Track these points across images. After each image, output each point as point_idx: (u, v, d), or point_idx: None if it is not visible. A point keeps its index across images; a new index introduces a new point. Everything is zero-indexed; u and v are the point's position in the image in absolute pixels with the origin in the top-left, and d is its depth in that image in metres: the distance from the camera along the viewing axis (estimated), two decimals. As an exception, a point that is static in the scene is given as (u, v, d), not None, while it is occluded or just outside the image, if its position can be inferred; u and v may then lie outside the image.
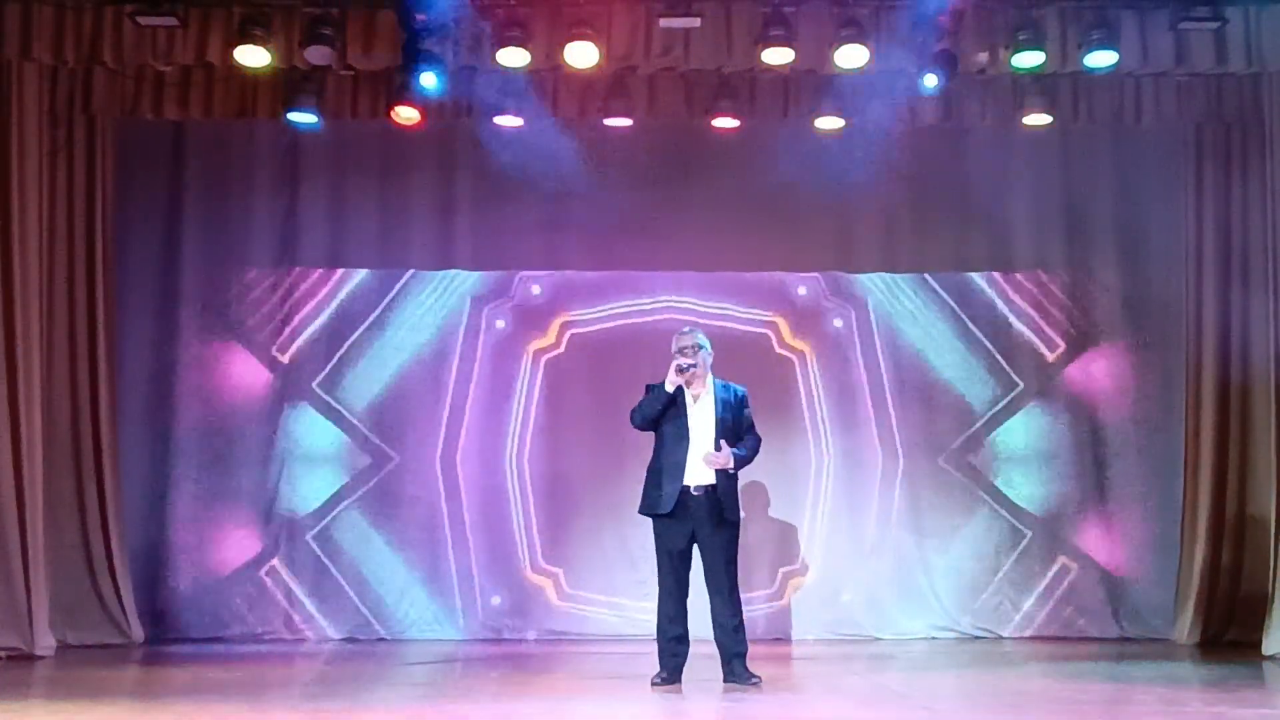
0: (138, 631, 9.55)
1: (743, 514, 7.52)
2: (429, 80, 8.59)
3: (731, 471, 7.34)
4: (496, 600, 10.13)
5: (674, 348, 7.36)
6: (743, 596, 7.56)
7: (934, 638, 10.03)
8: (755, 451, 7.50)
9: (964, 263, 10.42)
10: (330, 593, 10.09)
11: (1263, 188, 9.22)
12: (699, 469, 7.30)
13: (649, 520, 7.41)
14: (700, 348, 7.37)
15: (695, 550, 7.37)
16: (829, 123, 9.30)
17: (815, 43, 8.53)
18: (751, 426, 7.51)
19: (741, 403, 7.49)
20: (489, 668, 8.46)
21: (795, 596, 10.17)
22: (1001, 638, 10.04)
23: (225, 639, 9.81)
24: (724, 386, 7.49)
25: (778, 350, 10.35)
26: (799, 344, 10.38)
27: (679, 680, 7.31)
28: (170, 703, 6.71)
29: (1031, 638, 10.01)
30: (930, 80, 8.60)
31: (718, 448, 7.29)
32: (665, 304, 10.34)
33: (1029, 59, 8.53)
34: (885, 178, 10.32)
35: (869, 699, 7.12)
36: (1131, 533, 10.21)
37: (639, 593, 9.76)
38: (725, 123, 9.27)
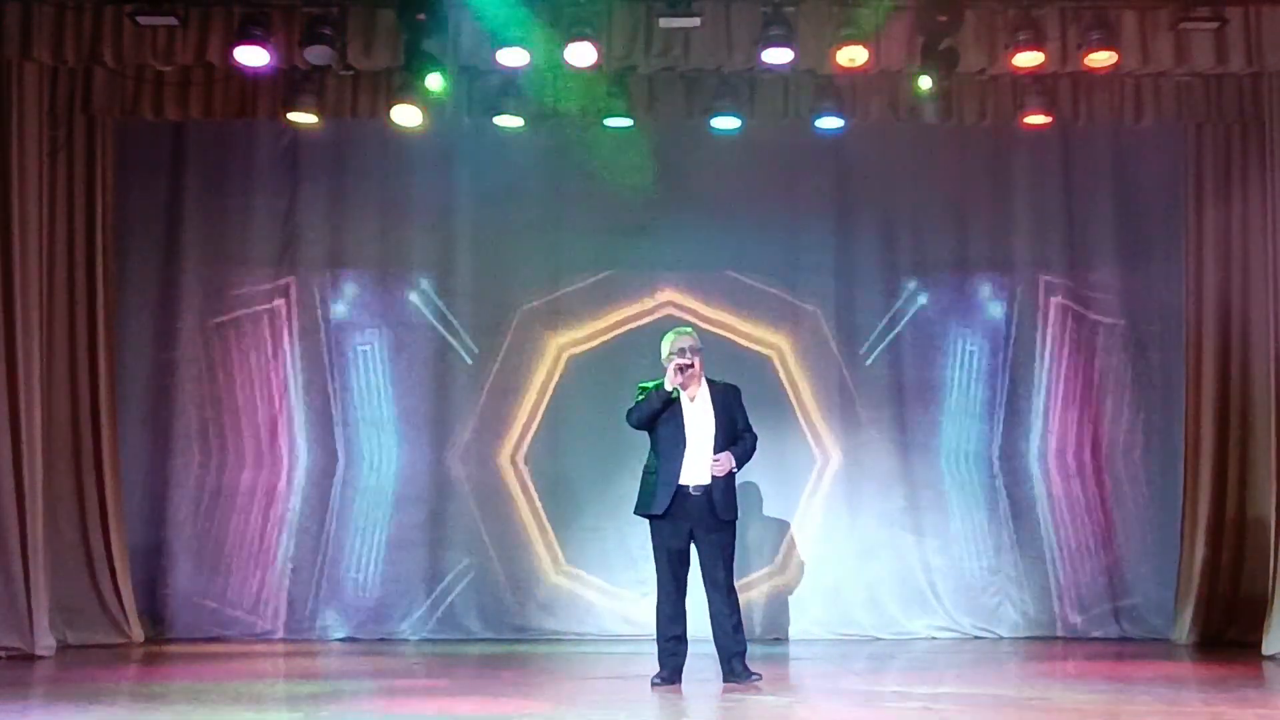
0: (138, 631, 9.54)
1: (739, 513, 7.48)
2: (435, 82, 8.59)
3: (734, 470, 7.34)
4: (496, 600, 10.12)
5: (671, 349, 7.35)
6: (741, 596, 7.55)
7: (934, 638, 10.03)
8: (753, 448, 7.48)
9: (964, 262, 10.42)
10: (331, 592, 10.09)
11: (1263, 188, 9.21)
12: (695, 469, 7.28)
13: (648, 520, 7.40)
14: (699, 349, 7.37)
15: (693, 550, 7.37)
16: (829, 123, 9.30)
17: (815, 43, 8.52)
18: (748, 424, 7.48)
19: (736, 400, 7.47)
20: (489, 667, 8.46)
21: (794, 596, 10.17)
22: (1001, 638, 10.03)
23: (225, 639, 9.81)
24: (718, 385, 7.47)
25: (777, 349, 10.36)
26: (799, 345, 10.38)
27: (679, 680, 7.31)
28: (170, 703, 6.71)
29: (1031, 638, 10.00)
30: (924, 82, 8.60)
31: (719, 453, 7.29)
32: (665, 304, 10.33)
33: (1029, 59, 8.52)
34: (885, 178, 10.36)
35: (869, 699, 7.12)
36: (1131, 533, 10.20)
37: (639, 592, 9.78)
38: (725, 123, 9.27)
